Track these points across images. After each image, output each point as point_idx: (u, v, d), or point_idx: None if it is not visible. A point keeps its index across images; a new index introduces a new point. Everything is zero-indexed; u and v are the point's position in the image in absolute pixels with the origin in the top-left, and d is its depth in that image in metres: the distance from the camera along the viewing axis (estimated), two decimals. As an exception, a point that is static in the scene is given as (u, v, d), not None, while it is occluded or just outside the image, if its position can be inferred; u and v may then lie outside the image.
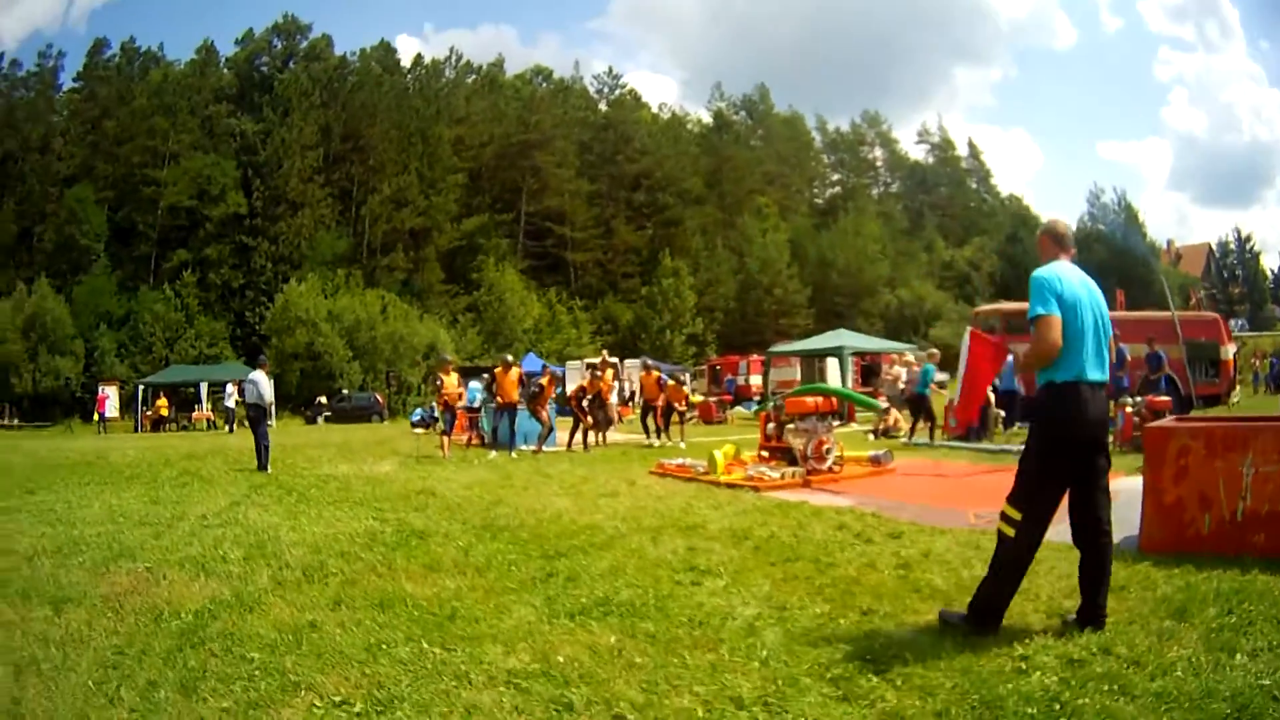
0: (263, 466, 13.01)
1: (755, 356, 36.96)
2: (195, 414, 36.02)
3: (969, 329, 5.27)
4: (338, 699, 3.49)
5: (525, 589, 5.23)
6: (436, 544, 6.64)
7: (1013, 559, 4.15)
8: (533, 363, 31.62)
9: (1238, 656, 3.74)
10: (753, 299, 58.85)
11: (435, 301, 52.84)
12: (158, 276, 49.17)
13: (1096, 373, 4.14)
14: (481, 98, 63.28)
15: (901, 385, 18.28)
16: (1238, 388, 20.05)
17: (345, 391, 40.56)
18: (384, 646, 4.11)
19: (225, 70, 57.88)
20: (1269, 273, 76.50)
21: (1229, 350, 18.82)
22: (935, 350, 18.72)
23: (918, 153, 79.02)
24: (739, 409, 29.38)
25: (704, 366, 41.11)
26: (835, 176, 76.50)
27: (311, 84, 54.81)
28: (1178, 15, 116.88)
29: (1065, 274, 4.19)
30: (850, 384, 23.33)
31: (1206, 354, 17.84)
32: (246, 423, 15.39)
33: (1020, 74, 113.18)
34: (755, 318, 58.17)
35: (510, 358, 17.31)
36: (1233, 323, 26.60)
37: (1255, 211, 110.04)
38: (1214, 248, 78.11)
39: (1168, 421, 6.49)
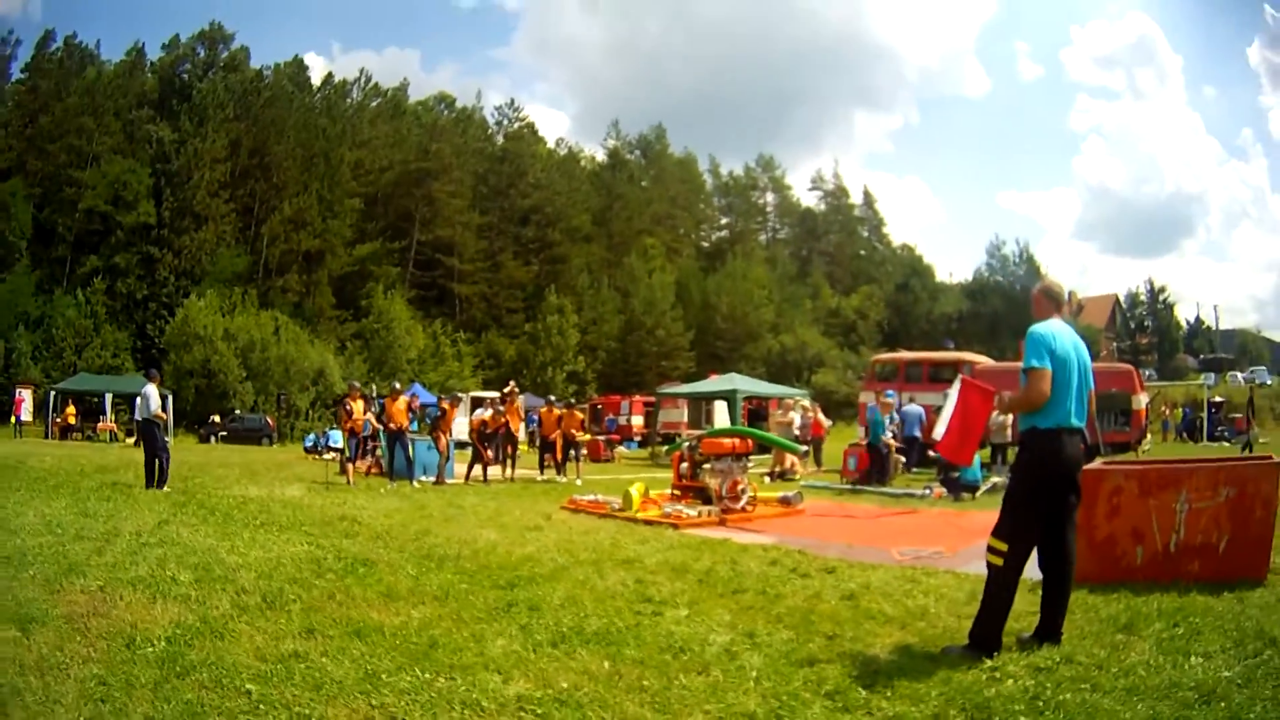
0: (161, 481, 12.12)
1: (638, 397, 36.97)
2: (100, 424, 34.03)
3: (960, 376, 5.44)
4: (356, 732, 3.35)
5: (494, 618, 5.16)
6: (385, 572, 6.45)
7: (1003, 585, 4.39)
8: (422, 395, 31.01)
9: (1192, 659, 4.05)
10: (635, 339, 57.89)
11: (325, 326, 50.95)
12: (71, 280, 46.25)
13: (1077, 420, 4.49)
14: (385, 122, 61.47)
15: (796, 431, 18.55)
16: (1149, 436, 20.56)
17: (238, 412, 38.76)
18: (380, 676, 3.98)
19: (150, 75, 55.12)
20: (1183, 323, 73.35)
21: (1141, 400, 19.22)
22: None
23: (810, 199, 77.80)
24: (621, 449, 29.45)
25: (585, 405, 40.83)
26: (724, 220, 75.72)
27: (227, 95, 52.63)
28: (1106, 64, 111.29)
29: (1059, 332, 4.51)
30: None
31: (1118, 404, 18.19)
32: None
33: (922, 121, 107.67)
34: (637, 358, 57.50)
35: (399, 385, 17.23)
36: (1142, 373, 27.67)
37: (1170, 260, 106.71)
38: (1121, 299, 74.72)
39: (1098, 464, 6.86)
